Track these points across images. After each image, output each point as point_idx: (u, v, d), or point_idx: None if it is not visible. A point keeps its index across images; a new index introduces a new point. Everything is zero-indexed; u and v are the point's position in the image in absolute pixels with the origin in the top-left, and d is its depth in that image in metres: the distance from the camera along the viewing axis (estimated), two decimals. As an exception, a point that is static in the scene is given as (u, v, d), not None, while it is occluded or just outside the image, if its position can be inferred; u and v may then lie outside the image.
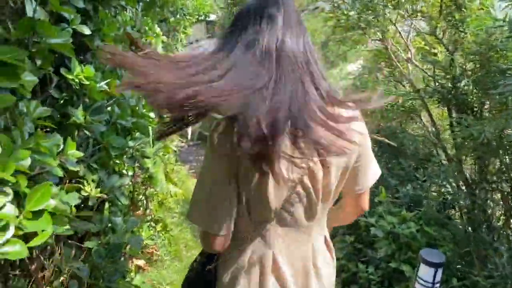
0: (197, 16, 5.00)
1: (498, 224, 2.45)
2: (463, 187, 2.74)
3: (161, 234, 2.70)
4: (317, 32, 7.74)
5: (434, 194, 2.83)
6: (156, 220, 2.54)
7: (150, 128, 2.17)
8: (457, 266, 2.40)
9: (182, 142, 10.73)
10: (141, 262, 2.50)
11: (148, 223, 2.31)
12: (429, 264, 1.90)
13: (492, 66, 2.44)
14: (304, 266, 1.03)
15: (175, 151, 5.72)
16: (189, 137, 10.84)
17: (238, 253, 1.00)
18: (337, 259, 3.50)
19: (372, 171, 1.08)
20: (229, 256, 1.01)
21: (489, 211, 2.47)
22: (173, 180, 3.45)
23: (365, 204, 1.14)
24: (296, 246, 1.02)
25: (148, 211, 2.27)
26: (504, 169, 2.82)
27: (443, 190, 2.84)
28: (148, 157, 1.92)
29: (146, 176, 2.03)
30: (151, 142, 2.10)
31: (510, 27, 2.11)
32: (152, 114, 2.12)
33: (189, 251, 3.76)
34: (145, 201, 2.23)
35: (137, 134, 2.03)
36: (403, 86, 4.02)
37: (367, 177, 1.07)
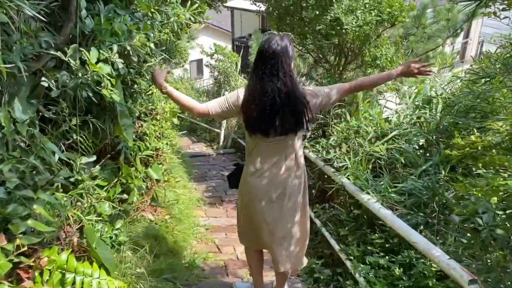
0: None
1: None
2: None
3: None
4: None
5: None
6: None
7: None
8: None
9: (212, 147, 8.92)
10: None
11: None
12: None
13: None
14: (278, 170, 2.23)
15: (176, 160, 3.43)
16: (220, 142, 9.19)
17: (249, 157, 2.31)
18: None
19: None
20: (247, 161, 2.32)
21: None
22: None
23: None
24: (274, 159, 2.23)
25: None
26: None
27: None
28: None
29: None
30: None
31: None
32: None
33: None
34: None
35: None
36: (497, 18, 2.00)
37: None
